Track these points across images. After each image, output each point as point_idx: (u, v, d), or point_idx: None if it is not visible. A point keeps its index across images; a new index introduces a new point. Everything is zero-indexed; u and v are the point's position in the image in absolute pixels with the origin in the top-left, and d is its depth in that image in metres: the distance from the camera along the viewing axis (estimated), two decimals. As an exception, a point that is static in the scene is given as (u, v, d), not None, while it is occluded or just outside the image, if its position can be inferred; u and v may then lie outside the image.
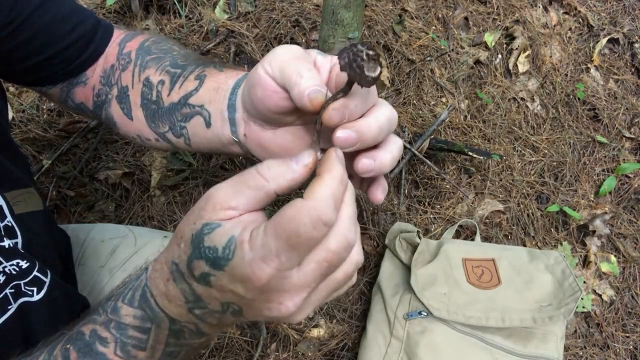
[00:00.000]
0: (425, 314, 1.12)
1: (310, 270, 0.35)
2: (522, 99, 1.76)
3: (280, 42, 1.53)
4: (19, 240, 0.60)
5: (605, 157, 1.75)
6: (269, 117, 0.46)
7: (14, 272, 0.57)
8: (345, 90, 0.39)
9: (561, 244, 1.58)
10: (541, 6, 1.89)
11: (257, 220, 0.37)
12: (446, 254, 1.21)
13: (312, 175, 0.38)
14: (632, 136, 1.79)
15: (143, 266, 0.45)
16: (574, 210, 1.61)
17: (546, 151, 1.69)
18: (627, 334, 1.52)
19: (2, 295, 0.56)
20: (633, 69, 1.90)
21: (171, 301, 0.41)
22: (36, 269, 0.60)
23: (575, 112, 1.79)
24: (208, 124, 0.53)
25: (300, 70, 0.40)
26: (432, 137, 1.51)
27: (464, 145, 1.53)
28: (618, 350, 1.49)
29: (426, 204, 1.54)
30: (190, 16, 1.56)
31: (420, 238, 1.27)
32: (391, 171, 1.37)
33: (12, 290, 0.57)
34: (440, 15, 1.76)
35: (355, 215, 0.38)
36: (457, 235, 1.50)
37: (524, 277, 1.18)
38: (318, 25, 1.56)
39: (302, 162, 0.37)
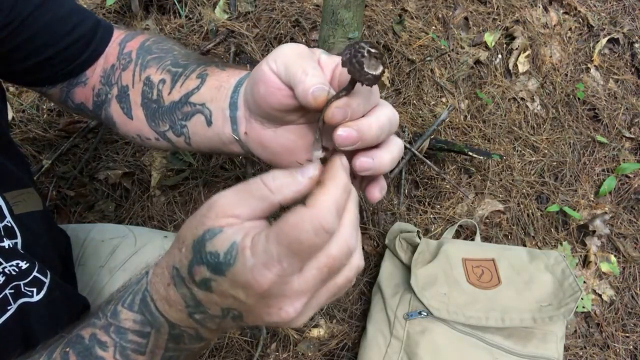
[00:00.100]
0: (425, 314, 1.12)
1: (311, 276, 0.35)
2: (522, 99, 1.76)
3: (280, 42, 1.53)
4: (19, 240, 0.60)
5: (605, 157, 1.75)
6: (270, 114, 0.46)
7: (13, 273, 0.57)
8: (347, 89, 0.39)
9: (561, 244, 1.58)
10: (541, 6, 1.89)
11: (259, 227, 0.37)
12: (446, 254, 1.21)
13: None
14: (632, 136, 1.79)
15: (143, 270, 0.45)
16: (574, 210, 1.61)
17: (546, 151, 1.69)
18: (627, 334, 1.52)
19: (1, 295, 0.56)
20: (633, 69, 1.90)
21: (171, 306, 0.41)
22: (36, 269, 0.60)
23: (575, 112, 1.79)
24: (209, 123, 0.53)
25: (306, 68, 0.40)
26: (432, 137, 1.51)
27: (464, 145, 1.53)
28: (618, 350, 1.49)
29: (426, 204, 1.54)
30: (190, 16, 1.56)
31: (420, 238, 1.27)
32: (391, 171, 1.37)
33: (12, 291, 0.57)
34: (440, 15, 1.76)
35: (357, 221, 0.38)
36: (457, 235, 1.50)
37: (524, 277, 1.18)
38: (318, 25, 1.56)
39: (307, 174, 0.36)
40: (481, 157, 1.52)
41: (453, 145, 1.51)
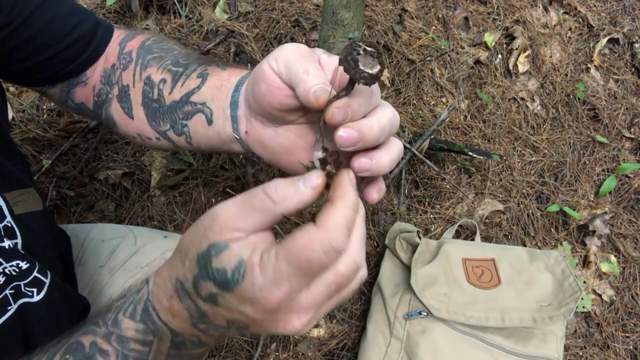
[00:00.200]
0: (425, 314, 1.12)
1: (318, 292, 0.36)
2: (522, 99, 1.76)
3: (280, 42, 1.53)
4: (19, 240, 0.60)
5: (605, 157, 1.75)
6: (271, 114, 0.46)
7: (14, 273, 0.57)
8: (347, 89, 0.39)
9: (561, 244, 1.58)
10: (541, 6, 1.89)
11: (265, 240, 0.37)
12: (446, 254, 1.21)
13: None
14: (632, 136, 1.79)
15: (143, 278, 0.45)
16: (574, 210, 1.61)
17: (546, 151, 1.69)
18: (627, 334, 1.52)
19: (2, 296, 0.55)
20: (633, 69, 1.90)
21: (175, 316, 0.41)
22: (36, 269, 0.60)
23: (575, 112, 1.79)
24: (210, 122, 0.53)
25: (307, 67, 0.40)
26: (432, 137, 1.51)
27: (464, 145, 1.53)
28: (618, 350, 1.49)
29: (426, 204, 1.54)
30: (190, 16, 1.56)
31: (420, 238, 1.27)
32: (391, 171, 1.37)
33: (12, 291, 0.57)
34: (440, 15, 1.76)
35: (365, 236, 0.38)
36: (457, 235, 1.50)
37: (524, 277, 1.18)
38: (318, 25, 1.56)
39: (309, 183, 0.36)
40: (481, 157, 1.52)
41: (453, 145, 1.51)
